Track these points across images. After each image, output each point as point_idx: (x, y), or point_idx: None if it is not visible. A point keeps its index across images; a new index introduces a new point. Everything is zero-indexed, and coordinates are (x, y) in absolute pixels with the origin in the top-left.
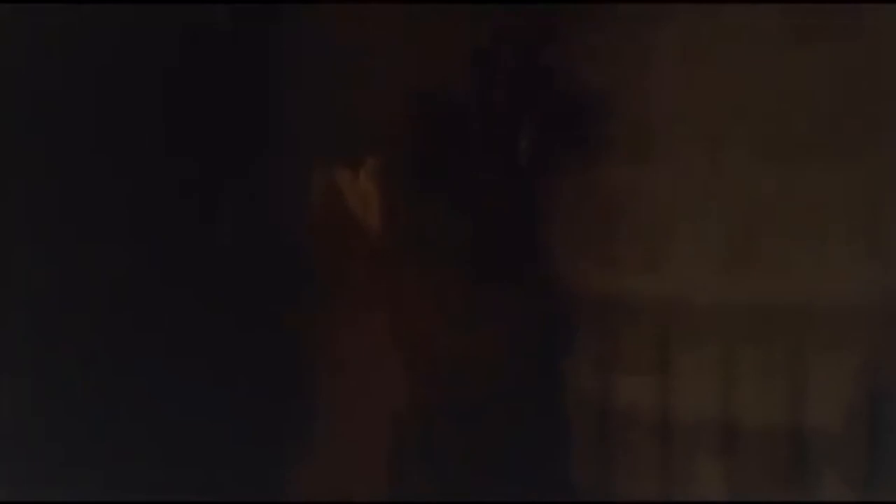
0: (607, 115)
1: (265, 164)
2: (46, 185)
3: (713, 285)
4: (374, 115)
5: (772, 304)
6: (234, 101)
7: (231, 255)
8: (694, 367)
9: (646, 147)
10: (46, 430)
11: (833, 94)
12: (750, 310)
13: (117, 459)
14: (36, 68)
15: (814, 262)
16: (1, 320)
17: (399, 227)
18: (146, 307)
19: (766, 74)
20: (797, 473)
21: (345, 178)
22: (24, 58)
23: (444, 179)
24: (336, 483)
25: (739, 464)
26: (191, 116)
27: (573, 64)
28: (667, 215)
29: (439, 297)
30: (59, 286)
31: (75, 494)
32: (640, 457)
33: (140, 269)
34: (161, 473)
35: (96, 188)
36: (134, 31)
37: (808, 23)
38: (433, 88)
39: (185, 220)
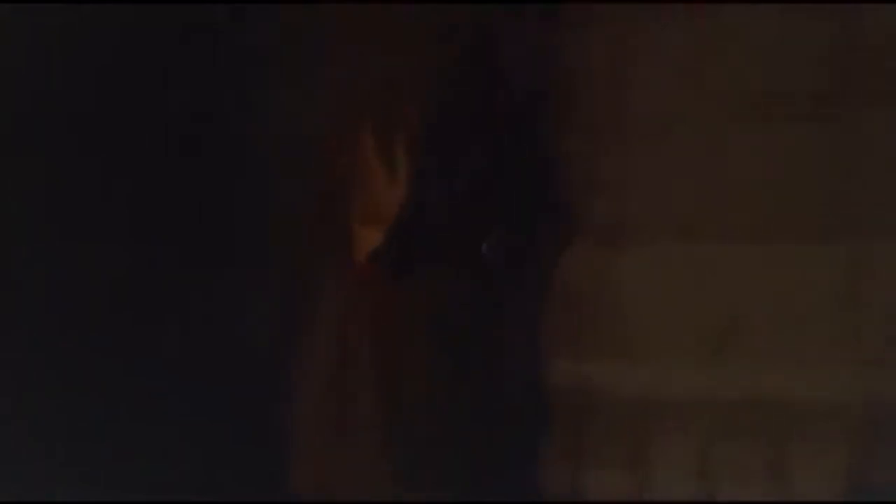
0: (580, 201)
1: (265, 164)
2: (46, 185)
3: (688, 378)
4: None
5: (750, 398)
6: (233, 102)
7: (230, 254)
8: (669, 463)
9: (619, 233)
10: (46, 430)
11: (809, 178)
12: (727, 404)
13: (117, 459)
14: (36, 68)
15: (794, 355)
16: (1, 320)
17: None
18: (146, 307)
19: (741, 157)
20: None
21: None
22: (24, 58)
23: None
24: (335, 483)
25: None
26: (190, 116)
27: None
28: (640, 305)
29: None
30: (59, 286)
31: (75, 494)
32: None
33: (140, 269)
34: (161, 473)
35: (96, 188)
36: (134, 31)
37: (776, 103)
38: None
39: (185, 220)
